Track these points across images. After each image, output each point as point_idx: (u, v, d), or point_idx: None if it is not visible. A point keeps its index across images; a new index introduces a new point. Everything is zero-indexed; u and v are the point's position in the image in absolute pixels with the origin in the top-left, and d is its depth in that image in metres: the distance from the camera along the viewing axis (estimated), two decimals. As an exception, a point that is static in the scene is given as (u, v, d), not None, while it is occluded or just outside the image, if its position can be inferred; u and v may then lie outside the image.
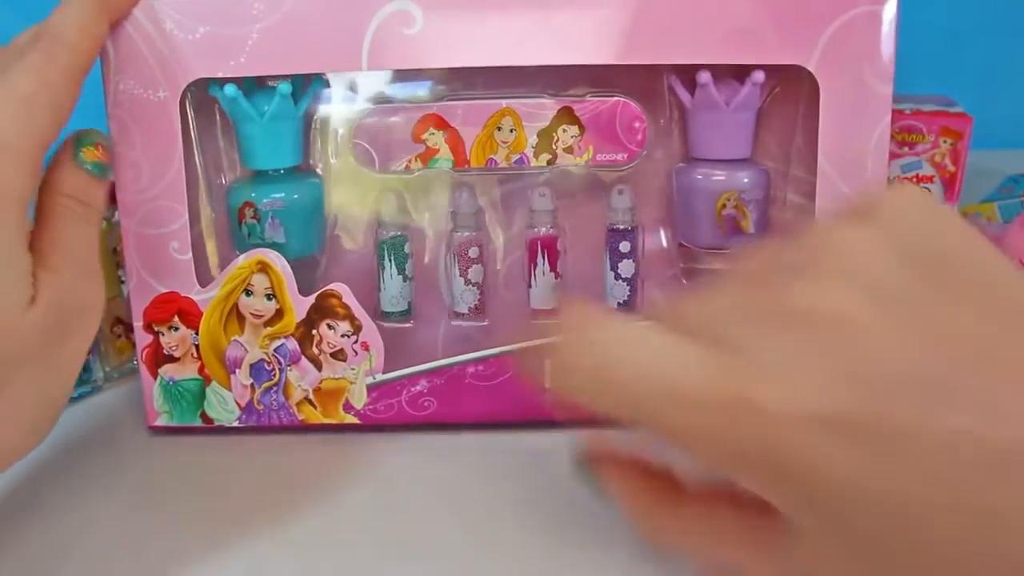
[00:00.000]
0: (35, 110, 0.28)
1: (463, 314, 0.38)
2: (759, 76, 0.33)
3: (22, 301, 0.27)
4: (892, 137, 0.51)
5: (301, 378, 0.35)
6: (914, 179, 0.49)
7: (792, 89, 0.35)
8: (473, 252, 0.37)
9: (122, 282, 0.42)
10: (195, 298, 0.34)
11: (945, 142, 0.50)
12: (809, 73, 0.32)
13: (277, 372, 0.35)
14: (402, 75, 0.35)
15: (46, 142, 0.28)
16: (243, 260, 0.34)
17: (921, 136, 0.50)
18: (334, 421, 0.36)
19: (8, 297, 0.27)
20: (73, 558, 0.30)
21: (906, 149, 0.50)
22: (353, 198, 0.37)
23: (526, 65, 0.33)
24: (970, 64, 0.79)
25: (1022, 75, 0.80)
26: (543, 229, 0.37)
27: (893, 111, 0.51)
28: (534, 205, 0.37)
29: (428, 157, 0.35)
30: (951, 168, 0.50)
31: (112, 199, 0.46)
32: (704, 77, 0.33)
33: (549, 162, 0.35)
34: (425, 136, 0.35)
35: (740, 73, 0.34)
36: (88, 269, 0.30)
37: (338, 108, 0.36)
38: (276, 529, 0.31)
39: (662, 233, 0.38)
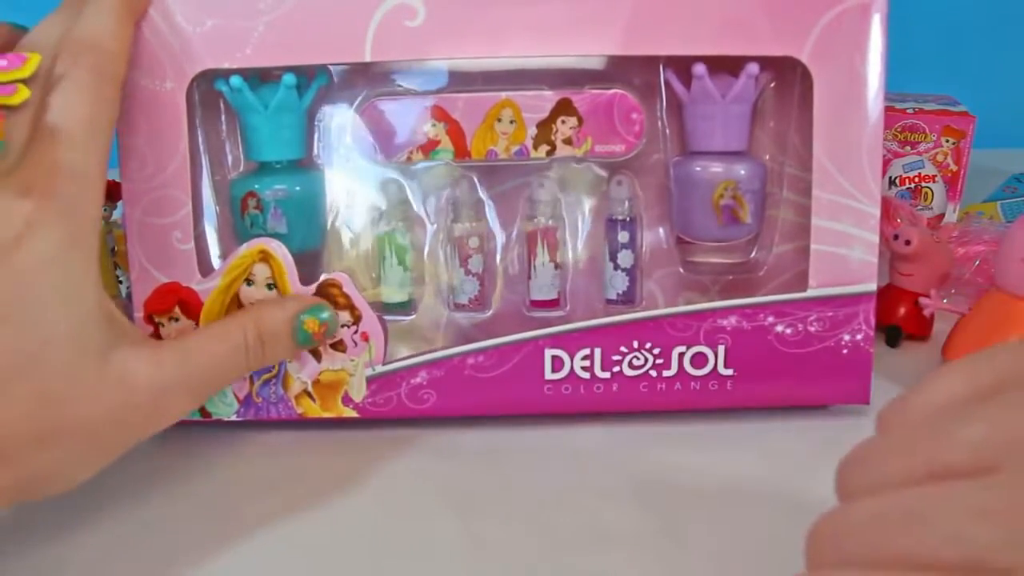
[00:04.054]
0: (98, 131, 0.29)
1: (464, 305, 0.40)
2: (753, 68, 0.35)
3: (97, 343, 0.27)
4: (895, 136, 0.55)
5: (300, 370, 0.37)
6: (916, 178, 0.52)
7: (788, 85, 0.37)
8: (473, 242, 0.39)
9: (120, 282, 0.45)
10: (196, 288, 0.36)
11: (948, 141, 0.53)
12: (804, 69, 0.35)
13: (276, 364, 0.37)
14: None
15: (107, 160, 0.30)
16: (244, 249, 0.36)
17: (923, 135, 0.53)
18: (333, 415, 0.37)
19: (79, 327, 0.27)
20: (71, 554, 0.31)
21: (908, 148, 0.53)
22: (354, 190, 0.39)
23: (525, 56, 0.36)
24: (973, 63, 0.82)
25: (1025, 74, 0.83)
26: (543, 220, 0.39)
27: (895, 111, 0.54)
28: (534, 196, 0.39)
29: (429, 148, 0.38)
30: (953, 167, 0.53)
31: (111, 196, 0.49)
32: (699, 69, 0.36)
33: (548, 153, 0.38)
34: (427, 127, 0.38)
35: (736, 70, 0.36)
36: (192, 393, 0.31)
37: (340, 101, 0.39)
38: (274, 527, 0.32)
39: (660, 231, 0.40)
